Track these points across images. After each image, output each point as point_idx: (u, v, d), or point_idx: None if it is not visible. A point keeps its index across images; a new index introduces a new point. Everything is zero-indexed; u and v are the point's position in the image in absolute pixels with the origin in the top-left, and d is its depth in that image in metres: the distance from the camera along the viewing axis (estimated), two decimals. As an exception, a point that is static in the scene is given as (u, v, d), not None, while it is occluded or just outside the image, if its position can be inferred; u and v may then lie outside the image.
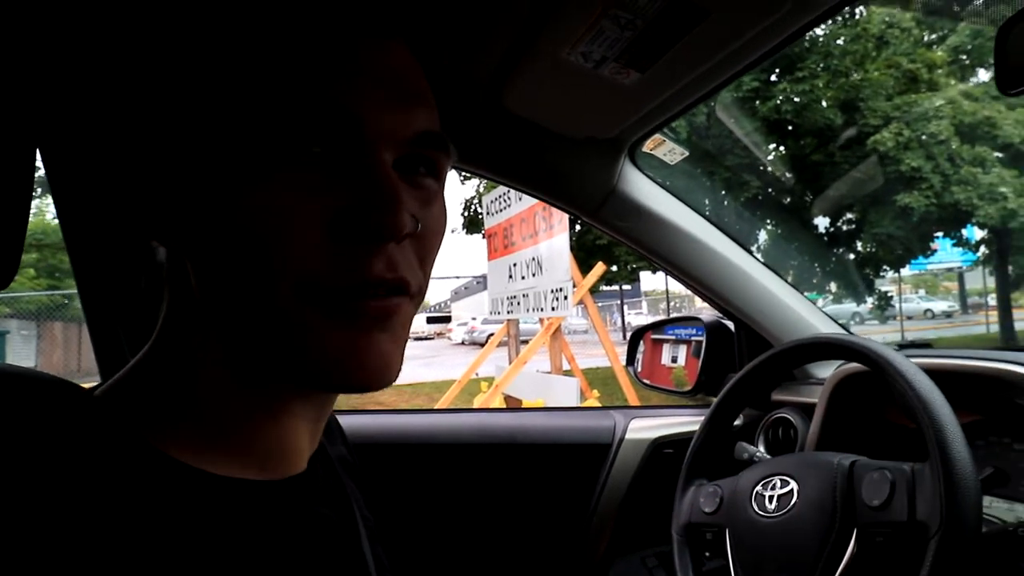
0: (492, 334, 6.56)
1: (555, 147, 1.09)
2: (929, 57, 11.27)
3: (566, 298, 5.37)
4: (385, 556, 0.61)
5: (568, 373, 6.49)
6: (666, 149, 1.15)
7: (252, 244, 0.38)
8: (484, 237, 7.05)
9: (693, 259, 1.24)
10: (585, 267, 6.68)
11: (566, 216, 5.35)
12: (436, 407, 6.56)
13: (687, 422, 1.40)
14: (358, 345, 0.40)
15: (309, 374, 0.41)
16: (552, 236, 5.49)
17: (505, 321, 6.96)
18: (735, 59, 0.81)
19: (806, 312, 1.27)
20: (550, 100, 0.97)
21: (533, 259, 5.78)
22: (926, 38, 12.18)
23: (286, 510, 0.45)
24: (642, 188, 1.18)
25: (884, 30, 11.15)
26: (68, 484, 0.36)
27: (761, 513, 0.84)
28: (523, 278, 6.01)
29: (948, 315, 21.80)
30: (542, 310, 5.71)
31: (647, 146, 1.14)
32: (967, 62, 11.89)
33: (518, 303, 6.13)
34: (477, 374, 7.03)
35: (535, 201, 5.64)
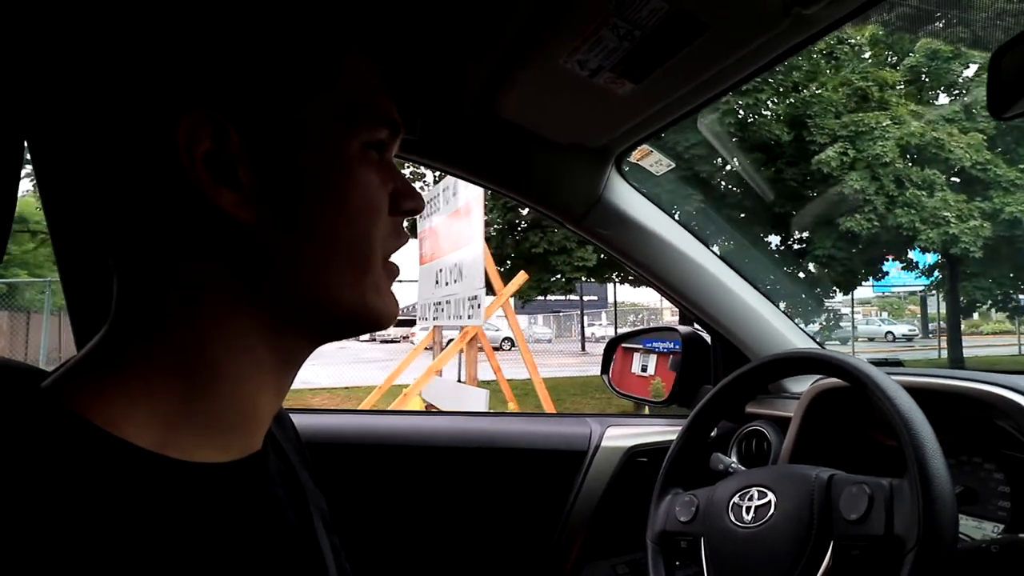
0: (452, 340, 6.52)
1: (543, 154, 1.09)
2: (881, 76, 11.15)
3: (479, 307, 5.33)
4: (341, 547, 0.62)
5: (489, 383, 6.43)
6: (653, 160, 1.16)
7: (360, 214, 0.49)
8: (417, 240, 7.00)
9: (674, 270, 1.25)
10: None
11: (482, 224, 5.34)
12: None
13: (662, 431, 1.40)
14: (394, 296, 0.53)
15: (372, 317, 0.51)
16: (470, 243, 5.45)
17: (432, 327, 6.89)
18: (729, 73, 0.82)
19: (783, 327, 1.29)
20: (542, 107, 0.97)
21: (455, 265, 5.74)
22: (886, 56, 11.98)
23: (243, 492, 0.47)
24: (627, 198, 1.18)
25: (834, 46, 11.01)
26: (15, 473, 0.36)
27: (738, 524, 0.84)
28: (447, 284, 5.99)
29: (909, 338, 22.19)
30: (460, 318, 5.68)
31: (634, 156, 1.15)
32: (926, 82, 11.75)
33: (441, 310, 6.10)
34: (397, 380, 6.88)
35: (461, 205, 5.61)
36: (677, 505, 0.95)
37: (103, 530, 0.36)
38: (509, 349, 18.70)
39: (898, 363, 1.11)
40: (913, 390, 0.76)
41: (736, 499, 0.86)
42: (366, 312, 0.50)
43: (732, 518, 0.85)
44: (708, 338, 1.41)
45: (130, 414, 0.42)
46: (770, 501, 0.82)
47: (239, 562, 0.43)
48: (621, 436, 1.38)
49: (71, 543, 0.35)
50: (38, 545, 0.34)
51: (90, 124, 0.45)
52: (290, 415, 0.68)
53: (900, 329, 23.12)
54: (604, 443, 1.37)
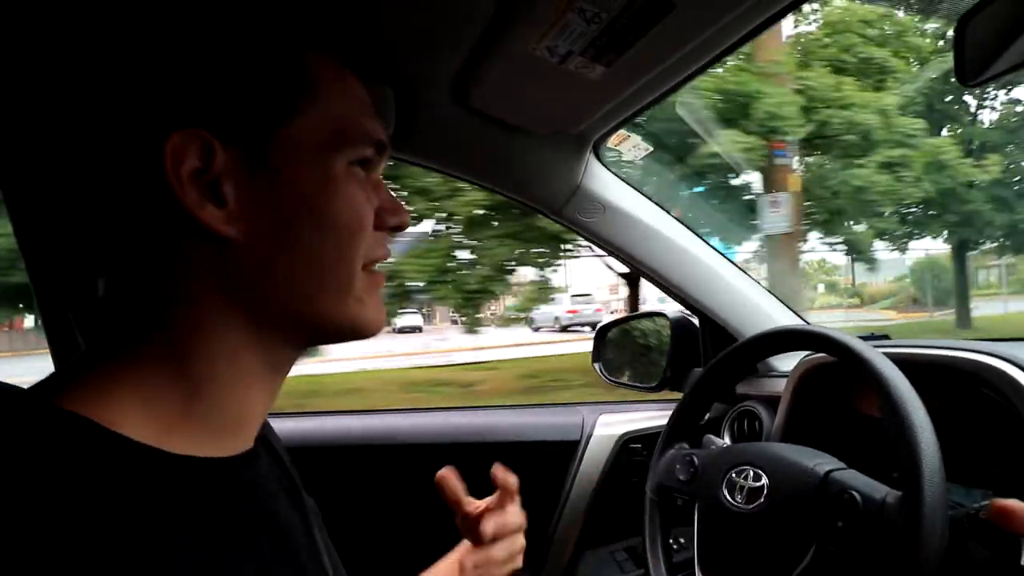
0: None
1: (520, 143, 1.08)
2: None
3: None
4: (331, 543, 0.64)
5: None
6: (631, 144, 1.16)
7: (345, 231, 0.50)
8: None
9: (657, 255, 1.24)
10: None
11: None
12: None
13: (654, 417, 1.40)
14: (380, 306, 0.55)
15: (357, 328, 0.53)
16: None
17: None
18: (700, 53, 0.82)
19: (769, 307, 1.29)
20: (515, 96, 0.96)
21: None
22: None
23: (242, 484, 0.49)
24: (607, 184, 1.18)
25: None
26: (11, 469, 0.37)
27: (730, 500, 0.84)
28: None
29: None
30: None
31: (612, 141, 1.14)
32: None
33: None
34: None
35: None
36: (678, 462, 0.95)
37: (104, 519, 0.37)
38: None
39: (885, 336, 1.11)
40: (900, 362, 0.76)
41: (733, 474, 0.86)
42: (349, 324, 0.52)
43: (726, 493, 0.85)
44: (696, 321, 1.41)
45: (126, 413, 0.43)
46: (763, 486, 0.81)
47: (240, 550, 0.45)
48: (613, 423, 1.38)
49: (73, 533, 0.35)
50: (39, 534, 0.35)
51: (77, 143, 0.46)
52: (283, 419, 0.69)
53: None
54: (596, 431, 1.37)
